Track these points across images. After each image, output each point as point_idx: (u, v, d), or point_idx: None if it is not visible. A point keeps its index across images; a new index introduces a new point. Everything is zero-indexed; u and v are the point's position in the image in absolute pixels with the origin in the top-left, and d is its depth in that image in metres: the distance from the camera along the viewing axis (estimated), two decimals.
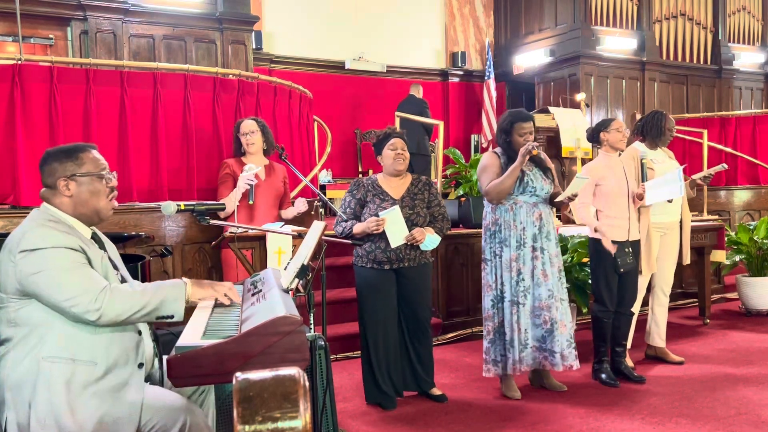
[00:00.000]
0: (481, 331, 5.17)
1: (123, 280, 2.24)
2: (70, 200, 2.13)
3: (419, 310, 3.66)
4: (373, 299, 3.58)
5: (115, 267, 2.24)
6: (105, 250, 2.22)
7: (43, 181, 2.16)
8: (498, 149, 3.80)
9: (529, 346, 3.67)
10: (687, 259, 4.44)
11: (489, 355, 3.75)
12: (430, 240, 3.56)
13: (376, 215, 3.48)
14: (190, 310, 2.16)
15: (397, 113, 7.29)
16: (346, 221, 3.58)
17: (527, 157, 3.56)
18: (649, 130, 4.25)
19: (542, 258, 3.68)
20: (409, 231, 3.48)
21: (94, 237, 2.21)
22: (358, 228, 3.51)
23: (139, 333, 2.19)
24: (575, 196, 3.63)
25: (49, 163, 2.14)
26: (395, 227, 3.44)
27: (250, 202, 3.93)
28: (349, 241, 3.57)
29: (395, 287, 3.61)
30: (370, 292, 3.58)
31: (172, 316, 2.08)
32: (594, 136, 4.07)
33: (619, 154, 4.06)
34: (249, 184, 3.89)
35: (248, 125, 4.06)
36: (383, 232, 3.45)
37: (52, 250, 1.98)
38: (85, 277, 2.00)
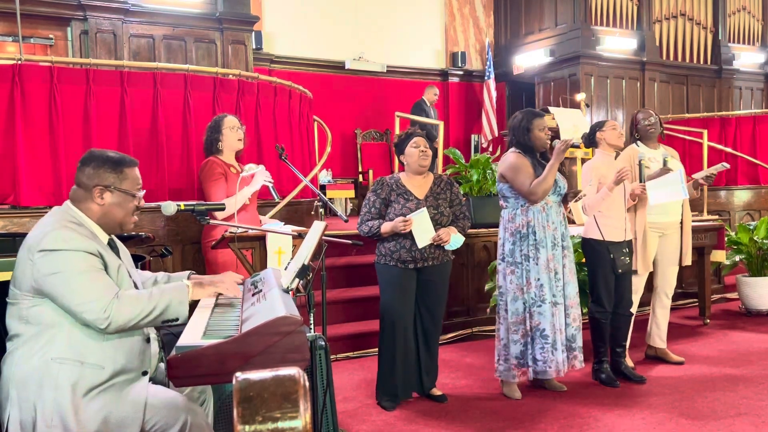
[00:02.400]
0: (482, 332, 5.21)
1: (135, 287, 2.25)
2: (100, 209, 2.15)
3: (437, 309, 3.68)
4: (397, 298, 3.57)
5: (129, 274, 2.26)
6: (120, 258, 2.23)
7: (78, 179, 2.16)
8: (516, 148, 3.75)
9: (567, 346, 3.69)
10: (687, 260, 4.37)
11: (524, 358, 3.68)
12: (455, 240, 3.57)
13: (402, 215, 3.49)
14: (190, 309, 2.17)
15: (397, 113, 7.31)
16: (371, 220, 3.58)
17: (565, 152, 3.56)
18: (636, 132, 4.26)
19: (569, 256, 3.73)
20: (434, 231, 3.49)
21: (111, 243, 2.23)
22: (386, 227, 3.52)
23: (148, 341, 2.21)
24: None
25: (93, 166, 2.15)
26: (422, 228, 3.46)
27: (277, 200, 3.93)
28: (350, 242, 3.56)
29: (415, 286, 3.62)
30: (394, 290, 3.58)
31: (177, 319, 2.11)
32: (591, 138, 4.08)
33: (615, 156, 4.07)
34: (269, 182, 3.86)
35: (235, 120, 3.95)
36: (409, 232, 3.47)
37: (70, 252, 2.01)
38: (99, 284, 2.02)
